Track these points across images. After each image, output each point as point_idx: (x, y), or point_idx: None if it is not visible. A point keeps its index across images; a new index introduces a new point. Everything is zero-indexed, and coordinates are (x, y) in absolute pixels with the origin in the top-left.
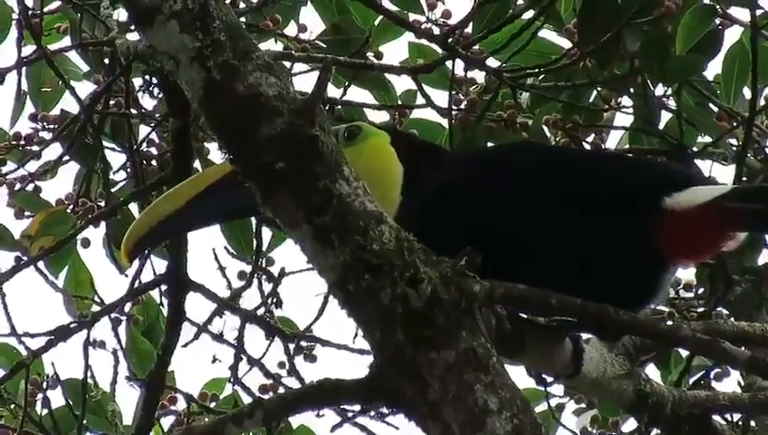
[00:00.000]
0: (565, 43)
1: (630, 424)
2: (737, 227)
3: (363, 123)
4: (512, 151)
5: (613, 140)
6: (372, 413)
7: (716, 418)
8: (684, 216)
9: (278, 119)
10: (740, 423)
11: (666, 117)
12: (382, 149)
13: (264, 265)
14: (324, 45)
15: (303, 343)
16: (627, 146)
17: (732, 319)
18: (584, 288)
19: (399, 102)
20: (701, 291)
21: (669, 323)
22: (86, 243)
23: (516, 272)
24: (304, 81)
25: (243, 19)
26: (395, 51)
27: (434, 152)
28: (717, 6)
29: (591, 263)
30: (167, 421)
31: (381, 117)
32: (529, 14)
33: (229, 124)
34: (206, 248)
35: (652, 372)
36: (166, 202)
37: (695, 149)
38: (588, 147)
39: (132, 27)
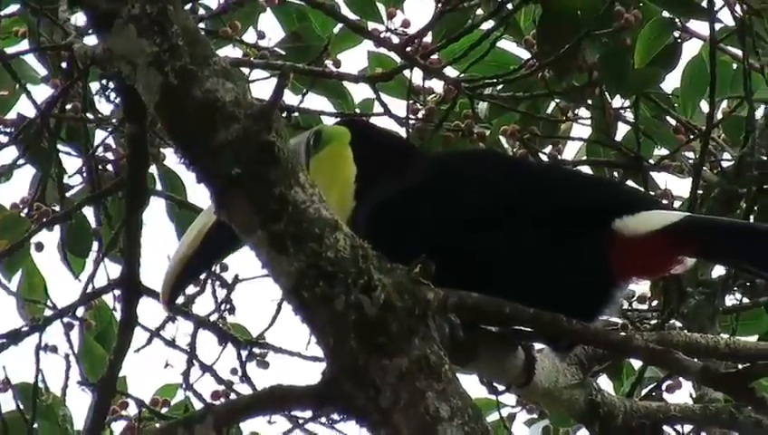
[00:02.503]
0: (524, 54)
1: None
2: (686, 254)
3: (324, 126)
4: (468, 161)
5: (571, 152)
6: (323, 420)
7: (667, 429)
8: (633, 240)
9: (235, 124)
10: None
11: (623, 129)
12: (338, 152)
13: (217, 272)
14: (283, 53)
15: (256, 350)
16: (584, 157)
17: (685, 331)
18: (537, 299)
19: (357, 111)
20: (655, 303)
21: (622, 333)
22: (40, 247)
23: (470, 281)
24: (263, 87)
25: (202, 25)
26: (354, 59)
27: (393, 151)
28: (676, 20)
29: (542, 275)
30: (118, 426)
31: None
32: (488, 25)
33: (186, 129)
34: (161, 254)
35: (605, 382)
36: (186, 247)
37: (651, 161)
38: (545, 158)
39: (90, 31)
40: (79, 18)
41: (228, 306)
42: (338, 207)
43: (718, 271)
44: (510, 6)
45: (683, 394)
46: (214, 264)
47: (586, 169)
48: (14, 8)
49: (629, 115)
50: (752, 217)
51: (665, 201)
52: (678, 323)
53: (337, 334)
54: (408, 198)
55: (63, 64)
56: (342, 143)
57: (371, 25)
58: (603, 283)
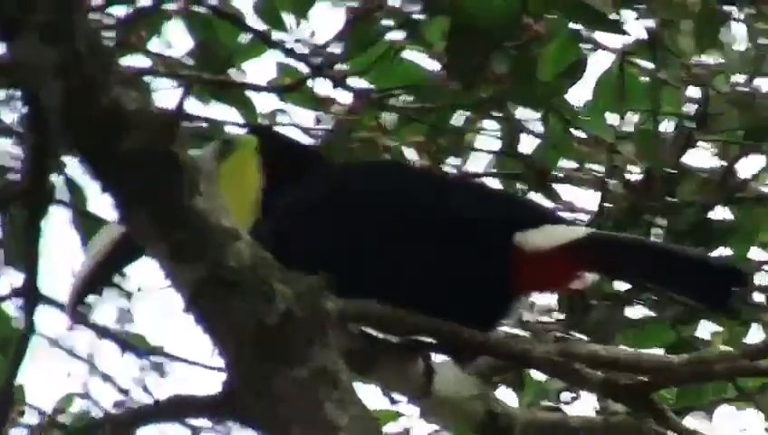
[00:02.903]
0: (432, 65)
1: None
2: (587, 269)
3: (233, 135)
4: (373, 172)
5: (478, 164)
6: (222, 429)
7: None
8: (534, 254)
9: (138, 134)
10: None
11: (530, 141)
12: (245, 160)
13: (118, 281)
14: (190, 62)
15: (156, 360)
16: (491, 170)
17: (587, 343)
18: (438, 309)
19: (263, 121)
20: (558, 316)
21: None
22: None
23: (371, 291)
24: (168, 97)
25: (109, 34)
26: (261, 69)
27: (299, 160)
28: (585, 32)
29: (443, 286)
30: None
31: None
32: (396, 36)
33: (89, 138)
34: (62, 262)
35: (507, 394)
36: (92, 257)
37: (558, 173)
38: (451, 170)
39: None
40: None
41: (129, 316)
42: (242, 215)
43: (622, 284)
44: (418, 17)
45: (585, 406)
46: (119, 273)
47: (493, 182)
48: None
49: (537, 127)
50: (658, 230)
51: (571, 214)
52: (582, 336)
53: (236, 344)
54: (312, 209)
55: None
56: (249, 151)
57: (278, 35)
58: (502, 295)
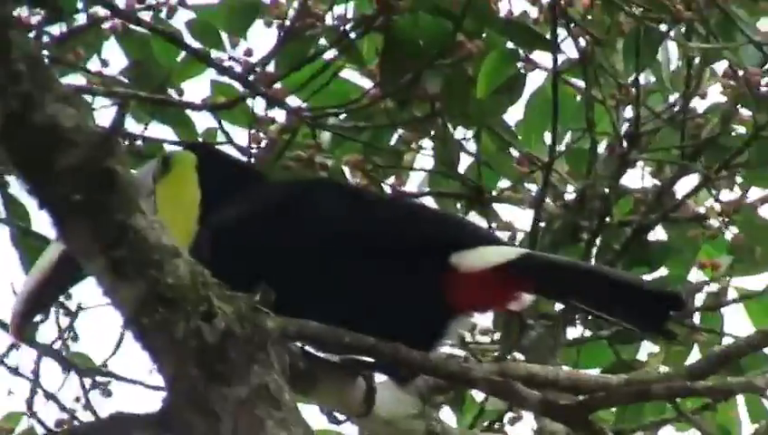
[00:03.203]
0: (367, 84)
1: None
2: (523, 290)
3: (172, 151)
4: (309, 190)
5: (413, 183)
6: None
7: None
8: (470, 275)
9: (76, 151)
10: None
11: (466, 160)
12: (183, 176)
13: (61, 299)
14: (126, 80)
15: (99, 378)
16: (426, 189)
17: (525, 363)
18: (376, 329)
19: (200, 139)
20: (497, 336)
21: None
22: None
23: (310, 310)
24: (105, 115)
25: (46, 52)
26: (197, 88)
27: (237, 176)
28: (519, 51)
29: (380, 306)
30: None
31: None
32: (331, 54)
33: (26, 155)
34: (3, 280)
35: (447, 414)
36: (36, 276)
37: (494, 193)
38: (388, 189)
39: None
40: None
41: (71, 334)
42: (181, 232)
43: (559, 304)
44: (352, 36)
45: (524, 427)
46: (65, 292)
47: (429, 201)
48: None
49: (472, 146)
50: (593, 249)
51: (507, 233)
52: (520, 356)
53: (177, 362)
54: (249, 225)
55: None
56: (188, 167)
57: (214, 54)
58: (439, 315)
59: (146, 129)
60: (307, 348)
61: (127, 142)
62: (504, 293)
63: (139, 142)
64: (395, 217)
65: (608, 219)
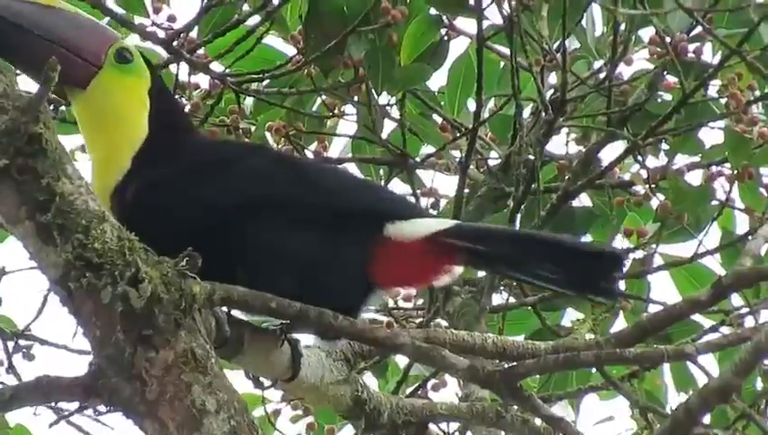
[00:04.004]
0: (290, 50)
1: (346, 432)
2: (454, 262)
3: (137, 52)
4: (245, 152)
5: (336, 149)
6: (89, 412)
7: (433, 427)
8: (403, 245)
9: (2, 116)
10: (457, 432)
11: (389, 126)
12: (136, 91)
13: None
14: None
15: (22, 342)
16: (349, 154)
17: (451, 329)
18: (303, 294)
19: None
20: (420, 302)
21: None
22: None
23: (235, 273)
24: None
25: None
26: None
27: (179, 123)
28: (443, 17)
29: (309, 272)
30: None
31: None
32: (255, 20)
33: None
34: None
35: (370, 380)
36: None
37: (418, 159)
38: (310, 155)
39: None
40: None
41: None
42: (112, 156)
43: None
44: (276, 2)
45: (448, 393)
46: None
47: (352, 166)
48: None
49: (396, 112)
50: (518, 215)
51: (431, 199)
52: (444, 323)
53: (103, 326)
54: (180, 183)
55: None
56: (143, 83)
57: (138, 20)
58: (367, 285)
59: None
60: (233, 313)
61: (52, 108)
62: (435, 263)
63: (64, 108)
64: (333, 184)
65: (533, 186)
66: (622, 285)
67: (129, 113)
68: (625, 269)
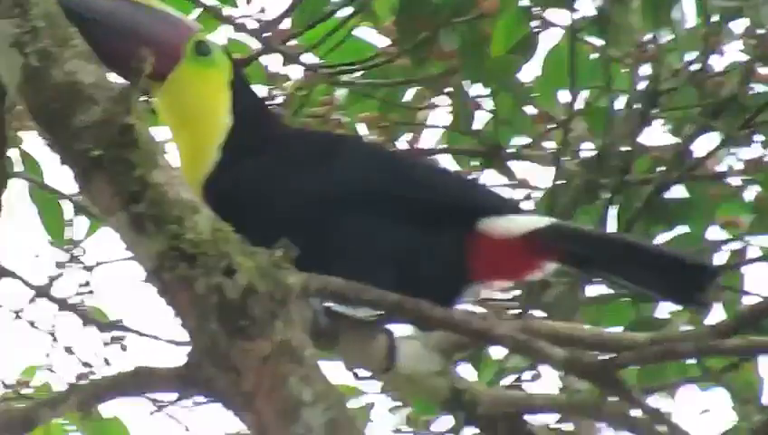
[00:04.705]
0: (382, 41)
1: (442, 423)
2: (548, 259)
3: (215, 44)
4: (341, 144)
5: (429, 140)
6: (186, 404)
7: (531, 418)
8: (497, 241)
9: (95, 106)
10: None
11: (482, 117)
12: (217, 83)
13: (78, 255)
14: None
15: (116, 333)
16: (443, 146)
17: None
18: (398, 286)
19: None
20: (516, 293)
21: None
22: None
23: (332, 266)
24: None
25: None
26: None
27: (262, 115)
28: (535, 9)
29: (404, 264)
30: None
31: None
32: (346, 11)
33: (46, 111)
34: (22, 236)
35: (468, 371)
36: None
37: (510, 150)
38: (403, 146)
39: None
40: None
41: (89, 289)
42: (198, 146)
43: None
44: None
45: (546, 384)
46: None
47: (445, 158)
48: None
49: (488, 103)
50: (612, 206)
51: (524, 191)
52: (540, 314)
53: (198, 317)
54: (278, 173)
55: None
56: (224, 75)
57: (229, 11)
58: (462, 278)
59: None
60: (329, 304)
61: (145, 98)
62: (529, 260)
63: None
64: (428, 177)
65: (627, 178)
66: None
67: (210, 105)
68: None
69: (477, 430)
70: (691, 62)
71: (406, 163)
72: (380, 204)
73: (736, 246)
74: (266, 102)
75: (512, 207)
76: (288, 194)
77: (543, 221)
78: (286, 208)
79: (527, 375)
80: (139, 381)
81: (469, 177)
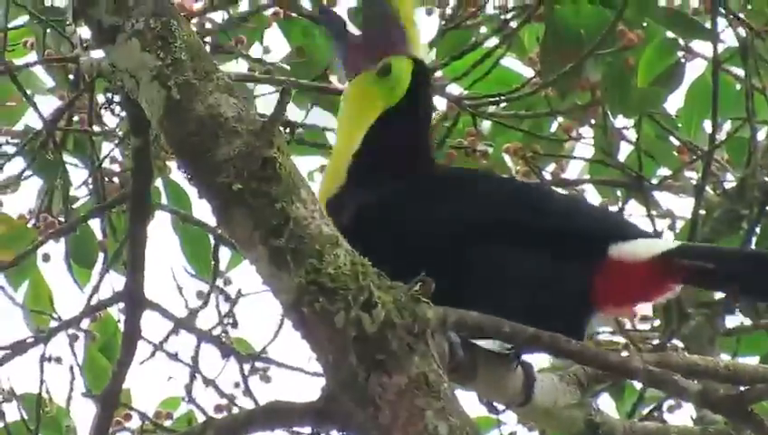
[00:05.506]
0: (527, 72)
1: None
2: (678, 281)
3: (405, 74)
4: (472, 177)
5: (573, 171)
6: None
7: None
8: (627, 266)
9: (236, 139)
10: None
11: (626, 148)
12: (371, 108)
13: (221, 286)
14: (288, 68)
15: (258, 364)
16: (586, 176)
17: (684, 352)
18: (528, 316)
19: None
20: (656, 323)
21: (623, 353)
22: (47, 258)
23: (467, 299)
24: (267, 103)
25: (208, 39)
26: None
27: (400, 146)
28: (680, 40)
29: (536, 295)
30: None
31: None
32: (492, 42)
33: (187, 143)
34: (165, 267)
35: (606, 401)
36: None
37: (654, 181)
38: (548, 176)
39: (94, 45)
40: (85, 31)
41: (231, 320)
42: (337, 163)
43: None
44: (514, 24)
45: (684, 415)
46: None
47: (589, 188)
48: (22, 19)
49: (632, 135)
50: (754, 238)
51: (667, 221)
52: (679, 343)
53: (336, 351)
54: (410, 204)
55: (70, 76)
56: (385, 99)
57: None
58: (590, 306)
59: (307, 116)
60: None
61: (288, 130)
62: (661, 283)
63: (300, 130)
64: (556, 207)
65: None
66: None
67: (356, 123)
68: None
69: None
70: None
71: (534, 193)
72: (511, 235)
73: None
74: None
75: (639, 232)
76: (422, 225)
77: (671, 244)
78: (419, 239)
79: (666, 405)
80: (276, 415)
81: (612, 208)
